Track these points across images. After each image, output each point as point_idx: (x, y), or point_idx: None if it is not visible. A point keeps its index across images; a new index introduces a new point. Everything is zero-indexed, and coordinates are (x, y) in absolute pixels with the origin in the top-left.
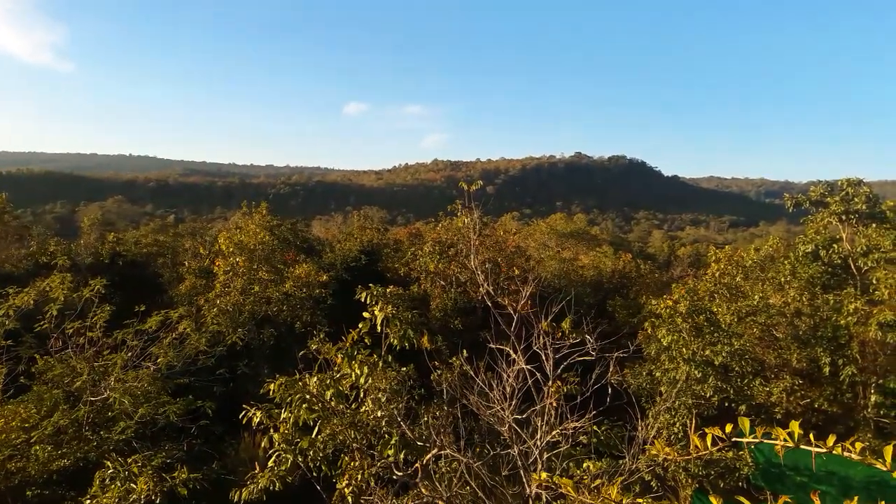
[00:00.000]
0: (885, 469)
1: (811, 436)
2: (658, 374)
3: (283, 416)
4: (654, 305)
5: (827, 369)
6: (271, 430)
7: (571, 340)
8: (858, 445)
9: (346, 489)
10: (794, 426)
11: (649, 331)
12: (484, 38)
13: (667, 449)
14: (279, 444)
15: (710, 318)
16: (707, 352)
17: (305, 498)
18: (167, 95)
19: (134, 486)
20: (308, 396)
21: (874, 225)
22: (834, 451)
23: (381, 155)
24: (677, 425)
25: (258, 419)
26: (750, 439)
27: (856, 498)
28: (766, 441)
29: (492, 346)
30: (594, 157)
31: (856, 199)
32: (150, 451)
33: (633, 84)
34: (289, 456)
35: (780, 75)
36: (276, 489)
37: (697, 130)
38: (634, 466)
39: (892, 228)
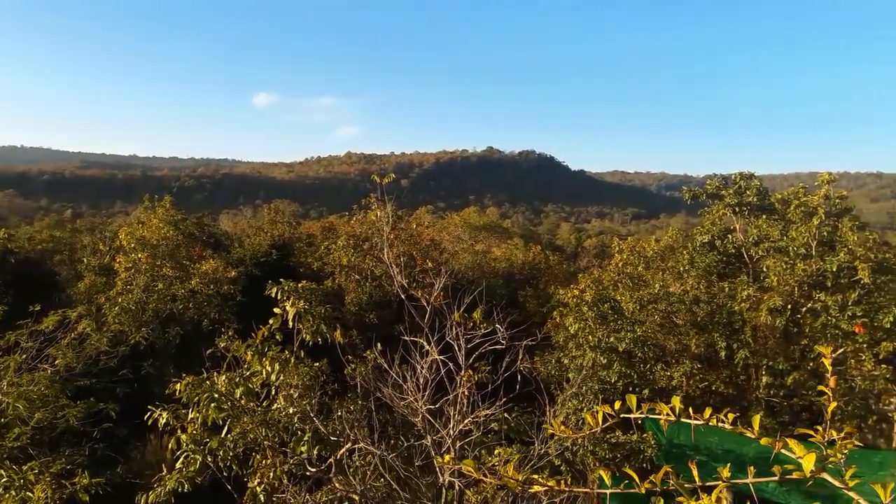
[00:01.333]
0: (753, 437)
1: (690, 409)
2: (566, 361)
3: (190, 416)
4: (561, 295)
5: (723, 353)
6: (178, 431)
7: (483, 330)
8: (731, 416)
9: (257, 488)
10: (676, 401)
11: (557, 319)
12: (397, 32)
13: (562, 427)
14: (187, 445)
15: (614, 306)
16: (611, 339)
17: (216, 498)
18: (62, 83)
19: (31, 495)
20: (217, 395)
21: (764, 216)
22: (710, 423)
23: (292, 147)
24: (584, 410)
25: (164, 420)
26: (637, 415)
27: (727, 465)
28: (650, 417)
29: (406, 338)
30: (505, 151)
31: (748, 192)
32: (48, 458)
33: (541, 81)
34: (198, 457)
35: (677, 72)
36: (185, 491)
37: (602, 125)
38: (544, 451)
39: (780, 219)
